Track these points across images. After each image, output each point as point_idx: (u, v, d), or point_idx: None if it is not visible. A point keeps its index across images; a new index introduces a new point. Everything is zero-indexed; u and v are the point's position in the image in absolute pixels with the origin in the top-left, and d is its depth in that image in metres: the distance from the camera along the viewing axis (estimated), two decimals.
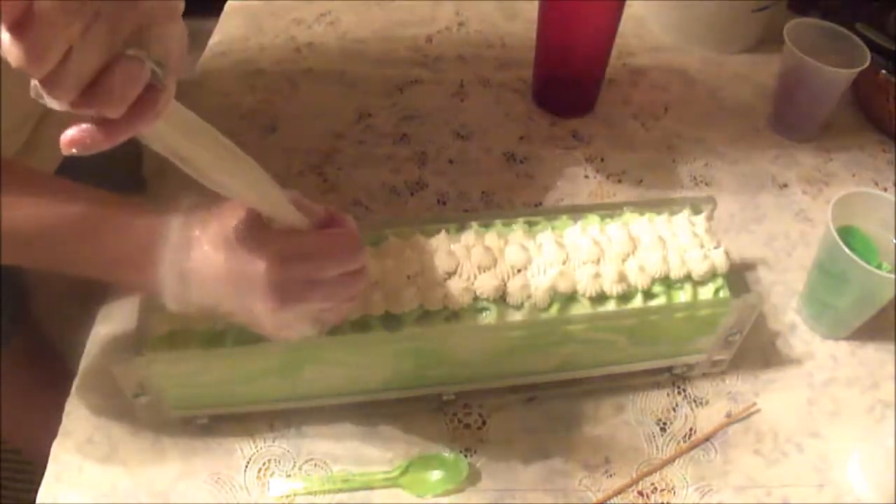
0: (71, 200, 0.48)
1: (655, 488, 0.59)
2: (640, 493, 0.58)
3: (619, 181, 0.79)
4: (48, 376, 0.65)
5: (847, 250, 0.60)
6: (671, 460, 0.60)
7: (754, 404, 0.63)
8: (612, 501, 0.58)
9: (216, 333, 0.55)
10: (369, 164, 0.79)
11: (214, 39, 0.92)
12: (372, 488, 0.57)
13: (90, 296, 0.66)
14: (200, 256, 0.47)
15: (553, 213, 0.64)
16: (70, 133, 0.34)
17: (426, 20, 0.96)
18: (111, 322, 0.65)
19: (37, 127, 0.62)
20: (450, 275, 0.57)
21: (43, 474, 0.57)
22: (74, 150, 0.34)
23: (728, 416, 0.63)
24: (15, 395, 0.79)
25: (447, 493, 0.57)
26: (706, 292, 0.60)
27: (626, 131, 0.84)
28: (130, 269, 0.48)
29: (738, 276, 0.61)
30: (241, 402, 0.59)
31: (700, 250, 0.60)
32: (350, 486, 0.57)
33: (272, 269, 0.46)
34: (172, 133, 0.39)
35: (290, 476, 0.58)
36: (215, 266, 0.47)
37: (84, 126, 0.34)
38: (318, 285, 0.48)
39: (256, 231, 0.47)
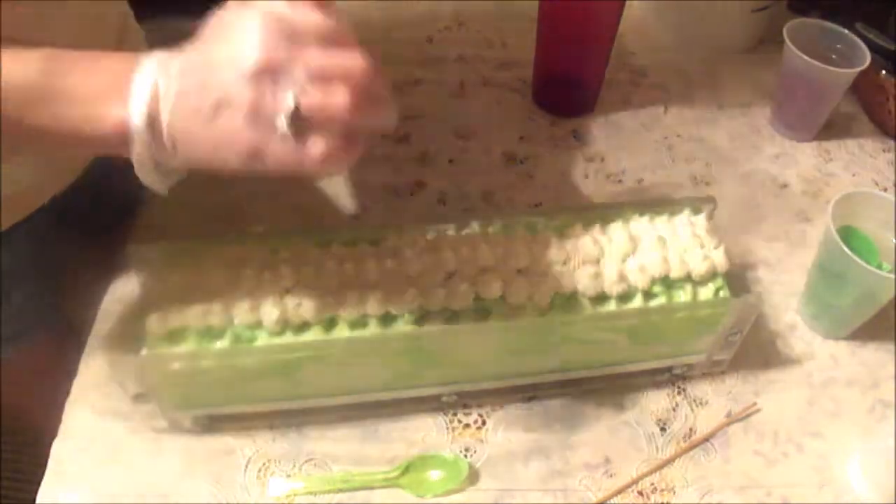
0: (31, 51, 0.45)
1: (655, 488, 0.59)
2: (640, 493, 0.58)
3: (619, 181, 0.79)
4: (62, 371, 0.65)
5: (847, 250, 0.60)
6: (671, 460, 0.60)
7: (754, 404, 0.63)
8: (612, 501, 0.58)
9: (216, 333, 0.55)
10: (369, 164, 0.78)
11: None
12: (372, 488, 0.57)
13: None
14: (185, 65, 0.43)
15: (553, 213, 0.64)
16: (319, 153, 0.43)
17: (426, 20, 0.96)
18: (111, 321, 0.65)
19: None
20: (450, 275, 0.57)
21: (43, 473, 0.57)
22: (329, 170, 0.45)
23: (728, 416, 0.63)
24: (35, 386, 0.78)
25: (447, 493, 0.57)
26: (706, 292, 0.60)
27: (626, 131, 0.84)
28: (103, 103, 0.44)
29: (738, 276, 0.62)
30: (241, 402, 0.59)
31: (700, 250, 0.60)
32: (350, 486, 0.57)
33: (266, 17, 0.42)
34: None
35: (290, 476, 0.58)
36: (197, 59, 0.43)
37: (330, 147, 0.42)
38: (310, 48, 0.42)
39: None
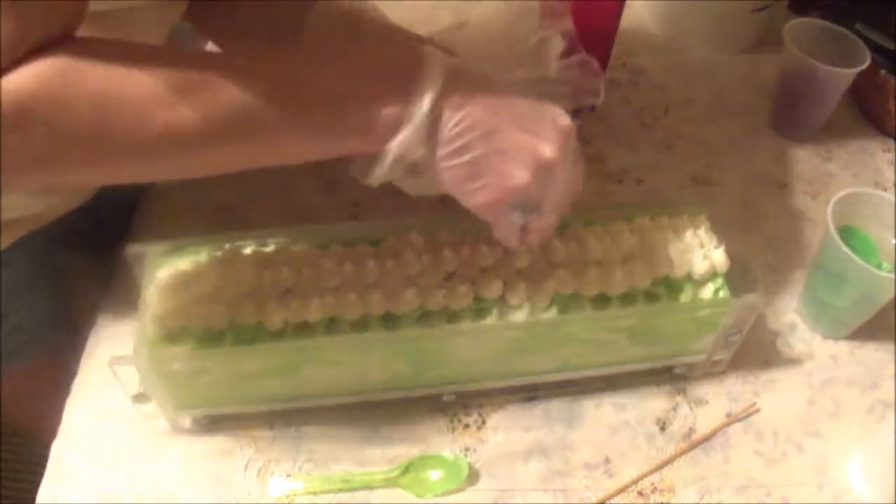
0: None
1: (655, 488, 0.59)
2: (640, 493, 0.58)
3: (620, 181, 0.79)
4: (62, 379, 0.65)
5: (847, 250, 0.60)
6: (671, 460, 0.60)
7: (754, 404, 0.63)
8: (612, 501, 0.58)
9: (216, 333, 0.55)
10: None
11: None
12: (372, 488, 0.57)
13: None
14: (486, 81, 0.48)
15: None
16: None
17: (426, 20, 0.96)
18: (111, 322, 0.65)
19: None
20: (450, 275, 0.57)
21: (43, 473, 0.57)
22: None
23: (728, 416, 0.63)
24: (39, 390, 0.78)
25: (447, 493, 0.57)
26: (706, 292, 0.60)
27: (626, 131, 0.84)
28: (386, 93, 0.46)
29: (738, 276, 0.61)
30: (241, 402, 0.59)
31: (700, 250, 0.60)
32: (350, 486, 0.57)
33: (571, 127, 0.49)
34: None
35: (290, 476, 0.58)
36: (510, 93, 0.48)
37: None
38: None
39: None
